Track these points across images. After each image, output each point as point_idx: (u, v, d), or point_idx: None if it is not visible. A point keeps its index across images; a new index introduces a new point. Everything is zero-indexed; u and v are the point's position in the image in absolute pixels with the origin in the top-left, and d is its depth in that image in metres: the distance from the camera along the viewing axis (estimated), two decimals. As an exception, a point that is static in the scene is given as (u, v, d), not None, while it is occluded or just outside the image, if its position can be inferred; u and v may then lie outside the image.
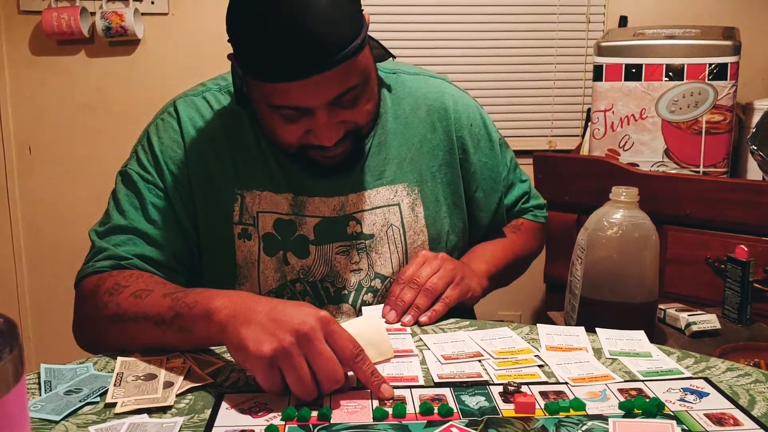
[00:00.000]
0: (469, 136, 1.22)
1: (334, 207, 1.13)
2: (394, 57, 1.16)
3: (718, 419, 0.76)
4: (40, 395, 0.82)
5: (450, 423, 0.75)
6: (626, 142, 1.91)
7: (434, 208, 1.19)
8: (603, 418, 0.76)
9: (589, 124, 2.01)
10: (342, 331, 0.81)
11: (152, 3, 2.40)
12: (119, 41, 2.40)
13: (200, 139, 1.12)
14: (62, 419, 0.77)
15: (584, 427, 0.74)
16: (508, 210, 1.32)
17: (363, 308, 1.11)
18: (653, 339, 1.00)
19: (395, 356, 0.91)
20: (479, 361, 0.91)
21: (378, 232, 1.15)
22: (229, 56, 1.04)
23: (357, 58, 0.98)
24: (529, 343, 0.96)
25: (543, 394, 0.81)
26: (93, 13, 2.36)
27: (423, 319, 1.04)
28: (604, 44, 1.90)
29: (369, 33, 1.03)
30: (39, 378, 0.86)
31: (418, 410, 0.78)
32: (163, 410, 0.79)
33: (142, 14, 2.40)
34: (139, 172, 1.10)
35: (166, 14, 2.43)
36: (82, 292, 1.05)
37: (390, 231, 1.15)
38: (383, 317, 1.04)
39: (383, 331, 0.90)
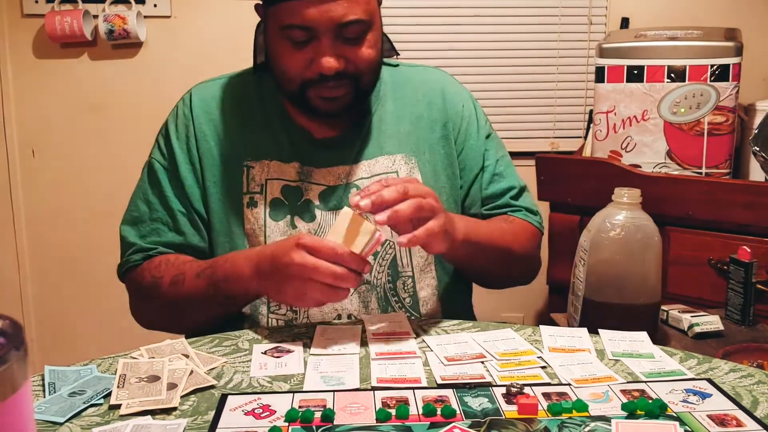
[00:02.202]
0: (459, 117, 1.28)
1: (338, 176, 1.19)
2: (398, 54, 1.25)
3: (721, 420, 0.76)
4: (44, 397, 0.82)
5: (453, 424, 0.75)
6: (628, 143, 1.91)
7: (432, 177, 1.23)
8: (606, 419, 0.76)
9: (591, 125, 2.01)
10: (315, 244, 0.96)
11: (155, 6, 2.40)
12: (122, 44, 2.41)
13: (209, 118, 1.21)
14: (66, 421, 0.77)
15: (587, 429, 0.74)
16: (494, 197, 1.28)
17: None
18: (656, 340, 1.00)
19: (399, 356, 0.91)
20: (482, 362, 0.91)
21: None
22: (256, 6, 1.16)
23: None
24: (531, 344, 0.96)
25: (546, 395, 0.82)
26: (96, 16, 2.36)
27: (402, 240, 0.98)
28: (605, 46, 1.90)
29: None
30: (43, 380, 0.86)
31: (421, 411, 0.78)
32: (167, 412, 0.79)
33: (145, 17, 2.40)
34: (159, 161, 1.21)
35: (168, 17, 2.43)
36: (130, 288, 1.21)
37: None
38: (356, 207, 0.97)
39: (357, 218, 0.97)
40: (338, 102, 1.13)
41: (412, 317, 1.18)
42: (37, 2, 2.38)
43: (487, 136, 1.30)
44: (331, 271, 0.96)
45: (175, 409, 0.79)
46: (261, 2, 1.14)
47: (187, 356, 0.92)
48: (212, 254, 1.20)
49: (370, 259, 1.05)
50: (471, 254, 1.15)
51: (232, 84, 1.24)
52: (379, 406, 0.79)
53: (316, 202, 1.18)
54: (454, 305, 1.25)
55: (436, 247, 1.05)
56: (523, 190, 1.33)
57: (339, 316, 1.16)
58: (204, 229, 1.20)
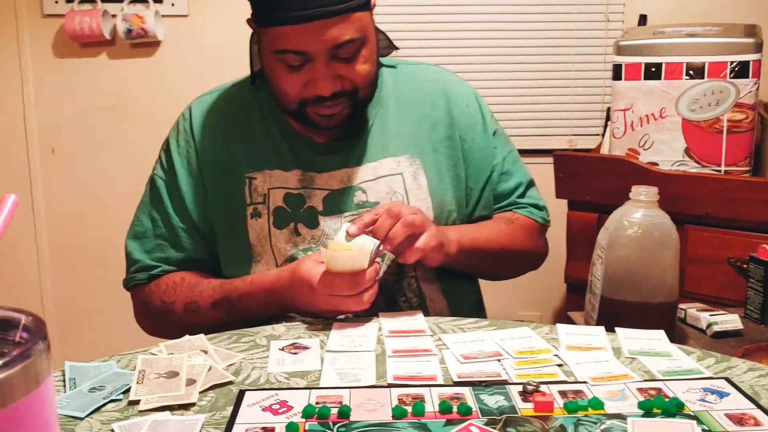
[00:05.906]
0: (465, 117, 1.26)
1: (341, 179, 1.19)
2: (397, 48, 1.23)
3: (738, 419, 0.75)
4: (65, 392, 0.83)
5: (469, 422, 0.75)
6: (646, 141, 1.90)
7: (437, 178, 1.22)
8: (622, 417, 0.76)
9: (609, 123, 2.00)
10: (338, 289, 1.03)
11: (172, 5, 2.42)
12: (140, 43, 2.43)
13: (210, 132, 1.21)
14: (87, 416, 0.78)
15: (603, 426, 0.74)
16: (501, 198, 1.30)
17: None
18: (674, 339, 0.99)
19: (415, 353, 0.92)
20: (498, 360, 0.91)
21: (383, 200, 1.19)
22: (248, 20, 1.14)
23: (357, 15, 1.07)
24: (548, 342, 0.96)
25: (562, 393, 0.81)
26: (114, 16, 2.38)
27: (402, 259, 1.10)
28: (623, 43, 1.89)
29: (382, 26, 1.18)
30: (64, 375, 0.87)
31: (437, 409, 0.78)
32: (185, 407, 0.80)
33: (163, 16, 2.42)
34: (162, 177, 1.22)
35: (186, 16, 2.45)
36: (137, 305, 1.24)
37: (394, 198, 1.20)
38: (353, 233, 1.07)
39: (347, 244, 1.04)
40: (337, 117, 1.14)
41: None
42: (56, 2, 2.41)
43: (494, 133, 1.30)
44: (358, 301, 1.04)
45: (193, 404, 0.80)
46: (252, 16, 1.13)
47: (205, 352, 0.92)
48: (217, 266, 1.22)
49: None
50: (468, 262, 1.21)
51: (231, 95, 1.25)
52: (395, 403, 0.79)
53: (320, 208, 1.18)
54: (461, 303, 1.25)
55: (433, 260, 1.12)
56: (530, 184, 1.34)
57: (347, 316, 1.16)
58: (206, 243, 1.21)
